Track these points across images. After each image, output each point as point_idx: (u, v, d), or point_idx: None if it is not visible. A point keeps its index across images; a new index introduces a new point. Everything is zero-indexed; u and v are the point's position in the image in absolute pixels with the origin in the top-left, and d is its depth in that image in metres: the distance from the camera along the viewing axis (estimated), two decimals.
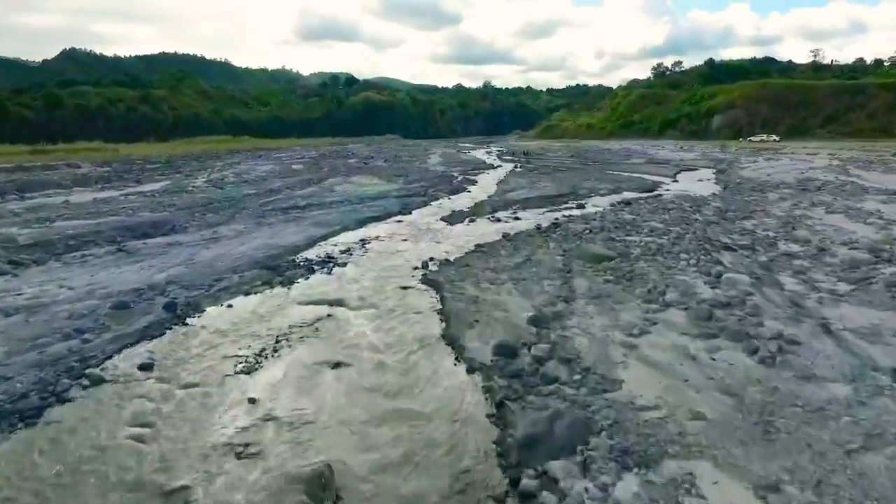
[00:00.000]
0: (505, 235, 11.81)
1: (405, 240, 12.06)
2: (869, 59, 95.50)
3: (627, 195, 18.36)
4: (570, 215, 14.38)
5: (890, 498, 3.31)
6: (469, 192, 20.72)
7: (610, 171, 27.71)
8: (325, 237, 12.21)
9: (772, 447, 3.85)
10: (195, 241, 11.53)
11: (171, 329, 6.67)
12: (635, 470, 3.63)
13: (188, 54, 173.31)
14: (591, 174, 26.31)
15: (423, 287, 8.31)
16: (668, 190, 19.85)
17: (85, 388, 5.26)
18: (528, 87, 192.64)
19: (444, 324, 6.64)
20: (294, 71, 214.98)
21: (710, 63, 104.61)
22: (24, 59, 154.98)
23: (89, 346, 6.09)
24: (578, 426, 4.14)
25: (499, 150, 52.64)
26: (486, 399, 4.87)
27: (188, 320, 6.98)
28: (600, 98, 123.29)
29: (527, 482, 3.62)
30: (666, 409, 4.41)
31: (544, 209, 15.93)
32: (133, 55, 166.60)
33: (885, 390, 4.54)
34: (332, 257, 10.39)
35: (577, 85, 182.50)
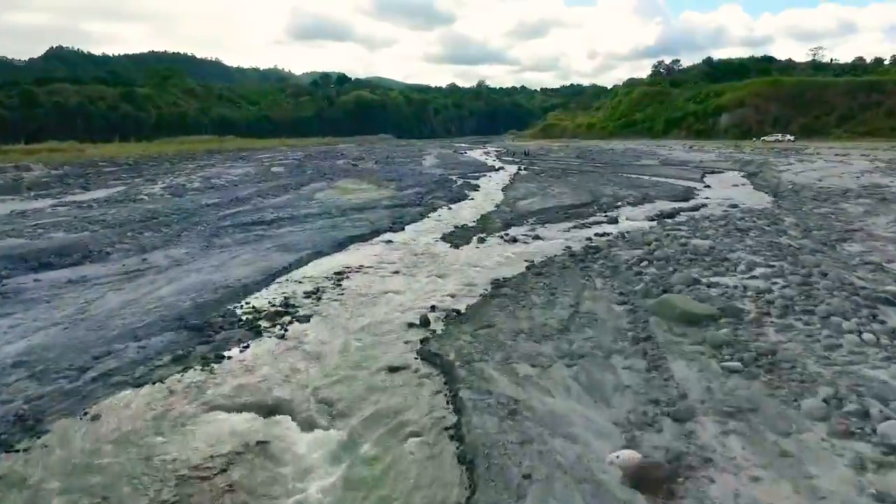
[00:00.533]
0: (530, 266, 8.60)
1: (396, 271, 8.80)
2: (868, 59, 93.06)
3: (662, 205, 15.19)
4: (606, 233, 11.16)
5: None
6: (472, 199, 17.47)
7: (627, 175, 24.51)
8: (288, 268, 8.90)
9: None
10: (108, 277, 8.20)
11: None
12: None
13: (179, 53, 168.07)
14: (608, 178, 23.09)
15: (424, 370, 5.16)
16: (707, 198, 16.67)
17: None
18: (523, 87, 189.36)
19: (468, 481, 3.33)
20: (286, 70, 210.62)
21: (708, 62, 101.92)
22: (11, 58, 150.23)
23: None
24: None
25: (497, 151, 49.41)
26: None
27: None
28: (596, 97, 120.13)
29: None
30: None
31: (569, 224, 12.71)
32: (122, 54, 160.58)
33: None
34: (292, 305, 7.10)
35: (572, 84, 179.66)
